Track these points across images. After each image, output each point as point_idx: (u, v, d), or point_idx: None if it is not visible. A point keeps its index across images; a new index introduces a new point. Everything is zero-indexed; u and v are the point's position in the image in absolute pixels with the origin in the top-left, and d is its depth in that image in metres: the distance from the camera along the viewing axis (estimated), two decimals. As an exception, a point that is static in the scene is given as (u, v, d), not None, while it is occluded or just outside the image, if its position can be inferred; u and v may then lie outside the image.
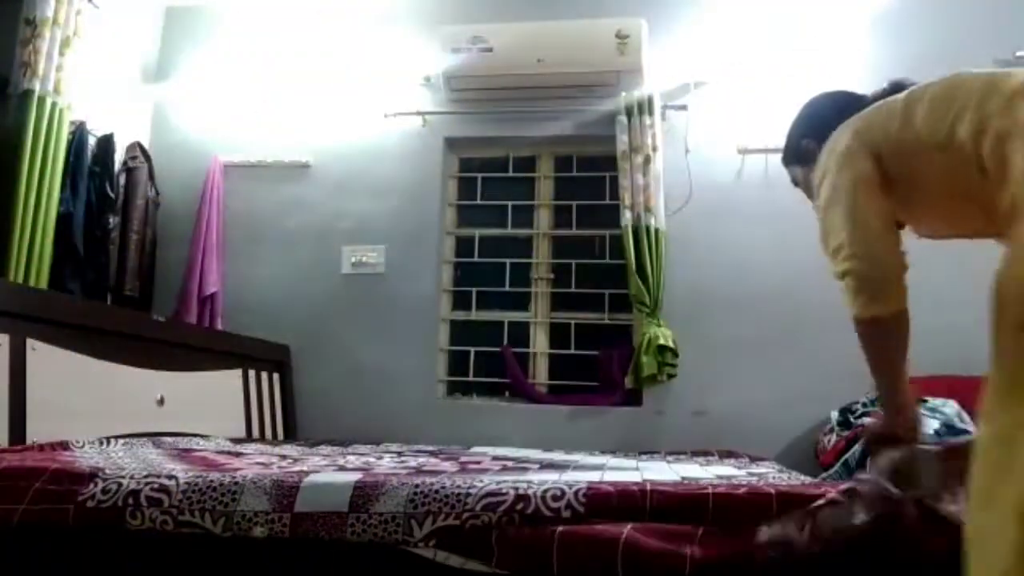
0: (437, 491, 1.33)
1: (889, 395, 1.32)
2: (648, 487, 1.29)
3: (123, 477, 1.43)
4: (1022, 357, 0.88)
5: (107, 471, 1.47)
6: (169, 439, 2.26)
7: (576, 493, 1.28)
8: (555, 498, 1.28)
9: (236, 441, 2.57)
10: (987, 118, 1.06)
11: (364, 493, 1.35)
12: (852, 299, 1.22)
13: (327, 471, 1.60)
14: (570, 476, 1.52)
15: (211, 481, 1.41)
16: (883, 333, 1.24)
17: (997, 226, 1.06)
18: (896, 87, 1.37)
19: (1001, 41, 3.14)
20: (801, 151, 1.52)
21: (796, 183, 1.60)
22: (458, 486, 1.34)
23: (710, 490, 1.26)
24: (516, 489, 1.31)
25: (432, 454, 2.29)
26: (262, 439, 3.01)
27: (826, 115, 1.48)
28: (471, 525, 1.27)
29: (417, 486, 1.35)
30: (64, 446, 1.85)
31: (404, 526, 1.30)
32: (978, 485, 0.91)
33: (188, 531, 1.35)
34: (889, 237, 1.22)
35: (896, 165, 1.22)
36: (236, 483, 1.40)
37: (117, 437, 2.11)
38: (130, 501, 1.38)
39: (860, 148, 1.26)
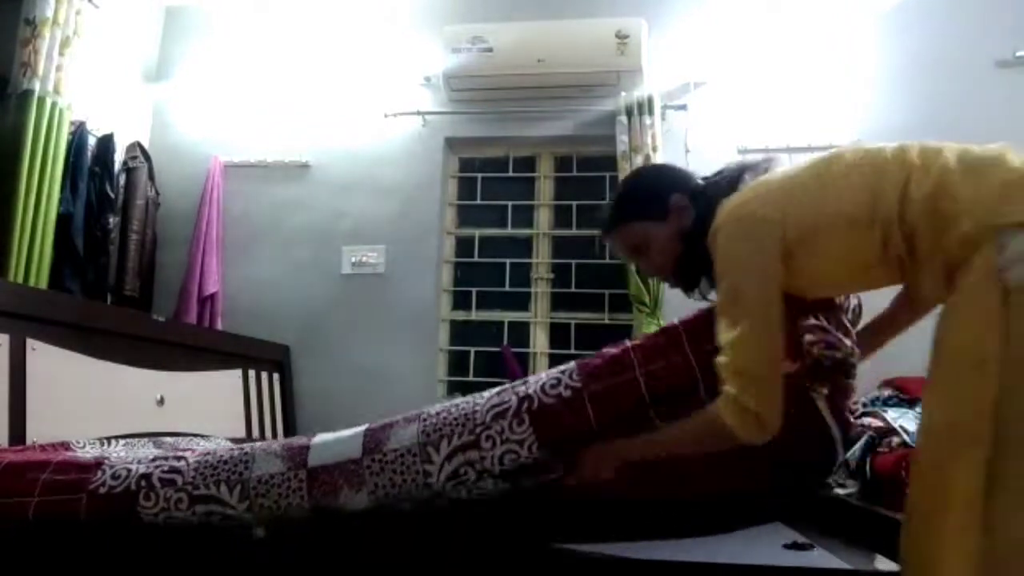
0: (444, 418, 1.36)
1: (645, 455, 1.32)
2: (628, 344, 1.39)
3: (131, 463, 1.43)
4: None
5: (112, 459, 1.47)
6: (169, 439, 2.26)
7: (570, 375, 1.36)
8: (552, 386, 1.35)
9: (236, 441, 2.57)
10: (908, 185, 1.11)
11: (375, 438, 1.36)
12: (735, 420, 1.18)
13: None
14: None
15: (221, 455, 1.41)
16: (720, 444, 1.23)
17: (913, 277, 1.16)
18: (744, 167, 1.41)
19: (1001, 41, 3.14)
20: (665, 206, 1.43)
21: (637, 244, 1.47)
22: (462, 407, 1.37)
23: (678, 323, 1.39)
24: (517, 394, 1.36)
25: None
26: (262, 439, 3.01)
27: (685, 176, 1.50)
28: (487, 436, 1.31)
29: (425, 419, 1.37)
30: (65, 446, 1.85)
31: (421, 455, 1.32)
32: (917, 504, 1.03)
33: (203, 508, 1.35)
34: (779, 380, 1.20)
35: (803, 245, 1.20)
36: (246, 453, 1.40)
37: (117, 437, 2.11)
38: (143, 484, 1.37)
39: (775, 227, 1.21)
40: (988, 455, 0.94)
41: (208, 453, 1.47)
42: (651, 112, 3.28)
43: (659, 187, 1.46)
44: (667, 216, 1.43)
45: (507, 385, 1.41)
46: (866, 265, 1.18)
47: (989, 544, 0.93)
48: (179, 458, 1.43)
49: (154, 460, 1.43)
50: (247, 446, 1.45)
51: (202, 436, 2.49)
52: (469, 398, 1.43)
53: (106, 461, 1.45)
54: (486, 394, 1.41)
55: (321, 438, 1.42)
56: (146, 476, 1.38)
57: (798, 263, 1.21)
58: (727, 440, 1.20)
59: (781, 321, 1.21)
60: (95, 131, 3.21)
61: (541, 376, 1.40)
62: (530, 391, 1.35)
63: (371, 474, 1.32)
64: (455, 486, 1.32)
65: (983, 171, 1.08)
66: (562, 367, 1.40)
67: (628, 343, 1.41)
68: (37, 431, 1.93)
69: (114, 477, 1.39)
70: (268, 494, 1.33)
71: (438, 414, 1.37)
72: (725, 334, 1.21)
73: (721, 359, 1.22)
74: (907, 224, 1.10)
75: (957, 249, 1.05)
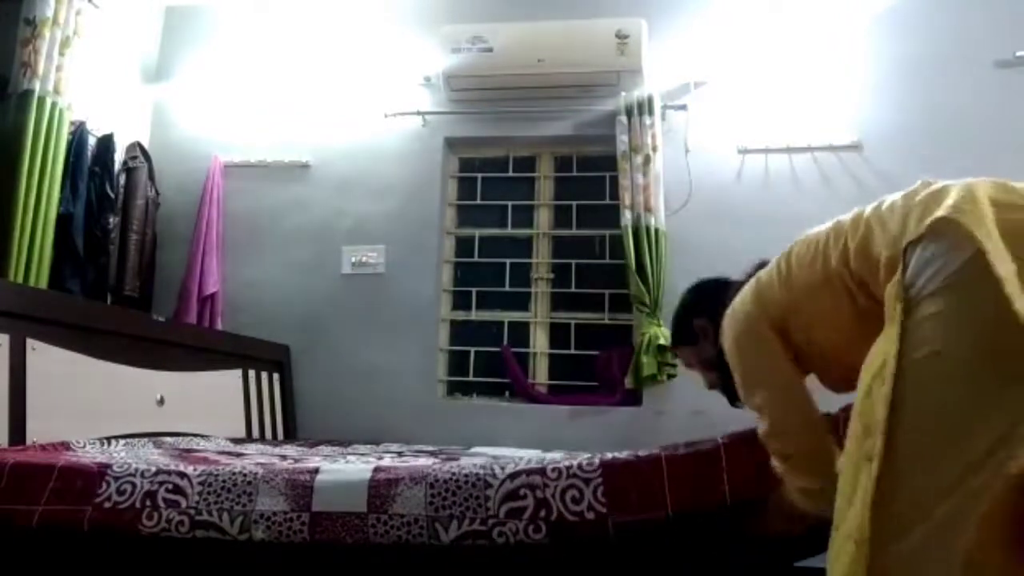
0: (453, 492, 1.34)
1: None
2: (660, 455, 1.35)
3: (134, 476, 1.44)
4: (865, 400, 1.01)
5: (115, 468, 1.47)
6: (169, 439, 2.26)
7: (595, 492, 1.31)
8: (575, 500, 1.31)
9: (236, 441, 2.57)
10: (846, 241, 1.21)
11: (379, 492, 1.36)
12: (789, 476, 1.29)
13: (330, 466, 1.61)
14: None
15: (224, 482, 1.41)
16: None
17: None
18: (762, 264, 1.48)
19: (1001, 41, 3.14)
20: (692, 331, 1.59)
21: (688, 365, 1.68)
22: (472, 484, 1.35)
23: (720, 441, 1.34)
24: (533, 491, 1.32)
25: (432, 454, 2.29)
26: (262, 439, 3.01)
27: (711, 296, 1.59)
28: (499, 531, 1.30)
29: (433, 483, 1.36)
30: (65, 446, 1.85)
31: (428, 529, 1.32)
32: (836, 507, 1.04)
33: (203, 534, 1.36)
34: (813, 416, 1.30)
35: (793, 322, 1.31)
36: (250, 482, 1.40)
37: (117, 437, 2.11)
38: (147, 503, 1.38)
39: (760, 318, 1.33)
40: (878, 471, 0.94)
41: (211, 471, 1.47)
42: (651, 112, 3.28)
43: (686, 316, 1.62)
44: (697, 340, 1.57)
45: (522, 470, 1.37)
46: (853, 319, 1.23)
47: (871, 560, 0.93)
48: (182, 475, 1.43)
49: (157, 474, 1.43)
50: (248, 462, 1.45)
51: (202, 436, 2.49)
52: (480, 467, 1.41)
53: (109, 470, 1.45)
54: (499, 467, 1.38)
55: (325, 476, 1.41)
56: (151, 495, 1.39)
57: (797, 338, 1.31)
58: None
59: (796, 384, 1.30)
60: (95, 131, 3.21)
61: (560, 470, 1.36)
62: (548, 495, 1.32)
63: (375, 534, 1.33)
64: (463, 554, 1.33)
65: (893, 209, 1.14)
66: (591, 475, 1.35)
67: (661, 454, 1.37)
68: (37, 431, 1.93)
69: (119, 492, 1.41)
70: (269, 529, 1.35)
71: (447, 480, 1.36)
72: (759, 424, 1.32)
73: (771, 453, 1.31)
74: (855, 274, 1.19)
75: (887, 281, 1.09)
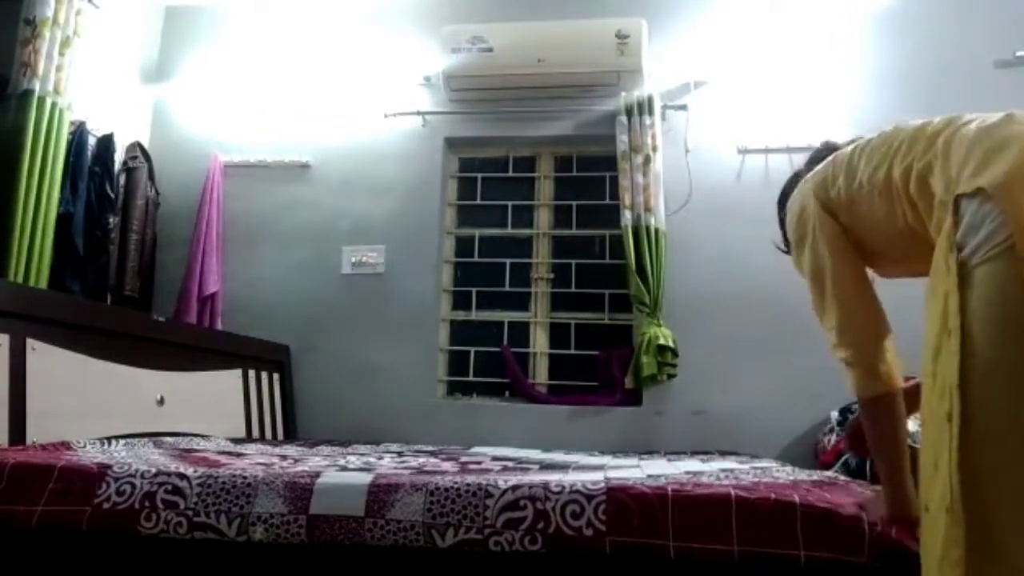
0: (453, 500, 1.34)
1: (890, 473, 1.32)
2: (668, 490, 1.32)
3: (134, 476, 1.44)
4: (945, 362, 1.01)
5: (116, 468, 1.47)
6: (169, 439, 2.26)
7: (596, 509, 1.31)
8: (575, 516, 1.30)
9: (236, 441, 2.57)
10: (913, 160, 1.20)
11: (379, 497, 1.36)
12: (853, 382, 1.33)
13: (331, 470, 1.61)
14: (577, 477, 1.52)
15: (224, 483, 1.41)
16: (883, 411, 1.31)
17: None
18: (830, 147, 1.51)
19: (1001, 41, 3.14)
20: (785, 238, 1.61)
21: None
22: (472, 493, 1.35)
23: (732, 493, 1.30)
24: (533, 503, 1.32)
25: (432, 454, 2.29)
26: (262, 439, 3.01)
27: (786, 194, 1.62)
28: (495, 541, 1.30)
29: (432, 493, 1.36)
30: (66, 446, 1.85)
31: (425, 535, 1.32)
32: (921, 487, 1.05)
33: (201, 535, 1.36)
34: (872, 313, 1.33)
35: (848, 214, 1.34)
36: (249, 484, 1.40)
37: (117, 437, 2.11)
38: (146, 503, 1.39)
39: (821, 207, 1.38)
40: (958, 431, 0.95)
41: (210, 473, 1.47)
42: (651, 112, 3.28)
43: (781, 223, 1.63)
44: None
45: (525, 482, 1.37)
46: (901, 234, 1.25)
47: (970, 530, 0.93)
48: (181, 476, 1.43)
49: (157, 475, 1.44)
50: (248, 462, 1.45)
51: (202, 436, 2.49)
52: (483, 478, 1.40)
53: (109, 471, 1.46)
54: (499, 482, 1.38)
55: (324, 480, 1.42)
56: (150, 496, 1.40)
57: (855, 239, 1.35)
58: (872, 405, 1.32)
59: (858, 279, 1.34)
60: (95, 131, 3.21)
61: (563, 486, 1.35)
62: (548, 507, 1.31)
63: (372, 538, 1.33)
64: (458, 560, 1.33)
65: (962, 141, 1.11)
66: (593, 491, 1.34)
67: (669, 489, 1.34)
68: (37, 431, 1.93)
69: (119, 493, 1.41)
70: (267, 531, 1.35)
71: (447, 489, 1.35)
72: (824, 321, 1.37)
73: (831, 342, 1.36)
74: (911, 195, 1.19)
75: (941, 221, 1.10)
